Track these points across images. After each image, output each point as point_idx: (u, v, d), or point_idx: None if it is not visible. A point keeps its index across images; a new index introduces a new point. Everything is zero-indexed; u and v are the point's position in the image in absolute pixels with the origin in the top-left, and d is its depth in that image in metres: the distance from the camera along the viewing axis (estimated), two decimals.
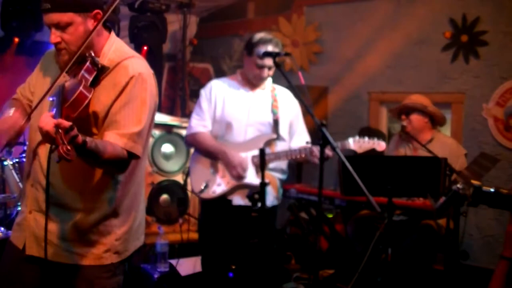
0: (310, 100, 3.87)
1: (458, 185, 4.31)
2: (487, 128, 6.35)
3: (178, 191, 6.46)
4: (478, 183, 3.42)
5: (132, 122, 2.90)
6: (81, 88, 2.70)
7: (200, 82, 8.23)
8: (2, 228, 5.15)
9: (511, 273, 3.31)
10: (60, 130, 2.38)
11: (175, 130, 6.55)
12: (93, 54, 2.86)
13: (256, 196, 3.92)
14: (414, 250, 5.35)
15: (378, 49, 7.16)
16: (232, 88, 4.82)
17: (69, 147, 2.36)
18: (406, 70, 6.96)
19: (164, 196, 6.48)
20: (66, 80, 2.87)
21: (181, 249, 6.08)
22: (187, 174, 4.99)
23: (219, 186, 4.73)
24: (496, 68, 6.29)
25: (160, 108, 7.81)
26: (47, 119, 2.47)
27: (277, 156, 4.66)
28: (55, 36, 2.84)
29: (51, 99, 2.78)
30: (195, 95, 6.52)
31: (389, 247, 4.83)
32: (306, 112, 3.72)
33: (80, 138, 2.49)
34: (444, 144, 5.48)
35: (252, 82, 4.79)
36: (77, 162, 2.74)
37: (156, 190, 6.44)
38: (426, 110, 5.51)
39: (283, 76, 3.96)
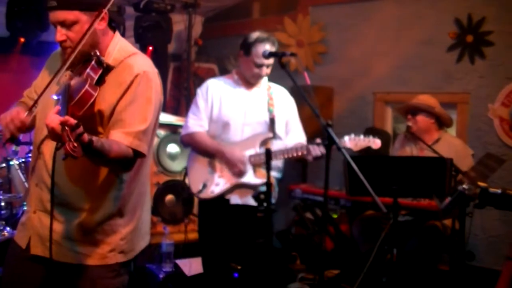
0: (315, 101, 3.85)
1: (464, 186, 4.31)
2: (492, 129, 6.34)
3: (183, 191, 6.46)
4: (485, 184, 3.41)
5: (138, 120, 2.90)
6: (86, 86, 2.71)
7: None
8: (8, 228, 5.16)
9: None
10: (66, 128, 2.38)
11: (180, 130, 6.55)
12: (98, 53, 2.87)
13: (262, 196, 3.92)
14: (420, 250, 5.34)
15: (383, 49, 7.15)
16: (229, 87, 4.83)
17: (75, 144, 2.37)
18: (411, 70, 6.95)
19: (170, 196, 6.49)
20: (72, 78, 2.88)
21: (186, 249, 6.08)
22: (185, 174, 4.98)
23: (217, 186, 4.74)
24: (501, 68, 6.28)
25: (165, 108, 7.82)
26: (53, 116, 2.47)
27: (274, 155, 4.66)
28: (60, 34, 2.85)
29: (56, 97, 2.78)
30: None
31: (394, 248, 4.83)
32: (312, 112, 3.71)
33: (86, 136, 2.49)
34: (451, 144, 5.47)
35: (248, 81, 4.80)
36: (82, 162, 2.75)
37: (162, 190, 6.45)
38: (433, 111, 5.50)
39: (288, 77, 3.95)
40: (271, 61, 4.65)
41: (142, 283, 5.72)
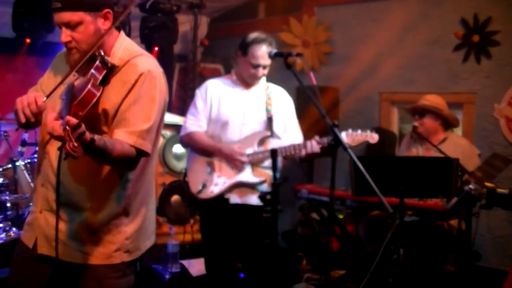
0: (321, 101, 3.85)
1: (470, 186, 4.31)
2: (498, 129, 6.32)
3: (189, 191, 6.45)
4: (492, 185, 3.40)
5: (141, 119, 2.90)
6: (89, 86, 2.71)
7: None
8: (14, 228, 5.18)
9: None
10: (67, 128, 2.39)
11: None
12: (102, 53, 2.88)
13: (268, 196, 3.92)
14: (426, 250, 5.33)
15: (389, 49, 7.14)
16: (227, 88, 4.86)
17: (75, 144, 2.37)
18: (417, 70, 6.94)
19: (175, 197, 6.49)
20: (77, 79, 2.89)
21: (192, 250, 6.08)
22: (184, 174, 4.99)
23: (217, 185, 4.76)
24: (507, 68, 6.26)
25: (171, 109, 7.81)
26: (50, 117, 2.49)
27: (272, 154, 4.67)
28: (65, 35, 2.86)
29: (63, 97, 2.79)
30: None
31: (400, 248, 4.81)
32: (318, 112, 3.70)
33: (88, 135, 2.50)
34: (457, 144, 5.46)
35: (246, 82, 4.82)
36: (86, 161, 2.77)
37: (167, 190, 6.44)
38: (441, 113, 5.49)
39: (294, 77, 3.95)
40: (268, 62, 4.67)
41: (148, 284, 5.72)
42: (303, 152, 4.63)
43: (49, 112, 2.58)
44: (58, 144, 2.65)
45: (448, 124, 5.56)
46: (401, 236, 4.76)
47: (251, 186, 4.75)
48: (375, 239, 5.52)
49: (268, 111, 4.80)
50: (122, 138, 2.84)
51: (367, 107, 7.42)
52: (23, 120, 2.77)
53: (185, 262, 5.82)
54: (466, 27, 6.53)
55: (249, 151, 4.74)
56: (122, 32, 3.12)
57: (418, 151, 5.65)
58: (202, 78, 8.08)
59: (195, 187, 4.82)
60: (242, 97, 4.81)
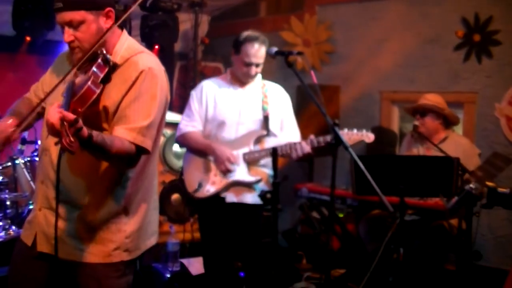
0: (322, 100, 3.84)
1: (471, 185, 4.30)
2: (499, 128, 6.32)
3: (185, 191, 6.45)
4: (493, 184, 3.39)
5: (142, 116, 2.90)
6: (89, 83, 2.73)
7: None
8: (14, 227, 5.17)
9: None
10: (65, 123, 2.39)
11: None
12: (104, 52, 2.89)
13: (268, 195, 3.92)
14: (426, 250, 5.33)
15: (390, 48, 7.13)
16: (223, 87, 4.86)
17: (72, 139, 2.38)
18: (418, 69, 6.94)
19: (176, 195, 6.48)
20: (78, 76, 2.90)
21: (192, 248, 6.08)
22: (180, 174, 5.00)
23: (213, 184, 4.76)
24: (508, 68, 6.26)
25: (172, 107, 7.81)
26: (53, 111, 2.48)
27: (267, 152, 4.66)
28: (68, 35, 2.87)
29: (64, 95, 2.80)
30: None
31: (400, 247, 4.81)
32: (319, 111, 3.70)
33: (86, 131, 2.51)
34: (458, 143, 5.46)
35: (241, 80, 4.82)
36: (86, 158, 2.79)
37: (168, 189, 6.44)
38: (442, 113, 5.48)
39: (295, 76, 3.94)
40: (260, 60, 4.67)
41: (148, 283, 5.72)
42: (294, 155, 4.62)
43: (50, 108, 2.58)
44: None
45: (448, 122, 5.56)
46: (401, 235, 4.76)
47: (247, 185, 4.76)
48: (375, 238, 5.52)
49: (264, 109, 4.79)
50: (122, 134, 2.83)
51: (367, 106, 7.42)
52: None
53: (185, 261, 5.81)
54: (467, 26, 6.52)
55: (245, 150, 4.74)
56: (124, 31, 3.13)
57: (419, 150, 5.65)
58: (203, 76, 8.09)
59: (191, 186, 4.83)
60: (237, 96, 4.81)
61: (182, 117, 4.91)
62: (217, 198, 4.76)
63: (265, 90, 4.87)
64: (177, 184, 6.42)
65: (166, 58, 7.52)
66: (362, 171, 3.49)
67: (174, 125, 6.43)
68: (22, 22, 6.57)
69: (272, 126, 4.80)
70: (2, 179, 5.41)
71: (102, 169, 2.96)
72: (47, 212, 3.03)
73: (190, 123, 4.82)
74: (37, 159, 5.44)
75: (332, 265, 6.17)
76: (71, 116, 2.41)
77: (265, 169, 4.78)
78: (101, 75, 2.82)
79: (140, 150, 2.91)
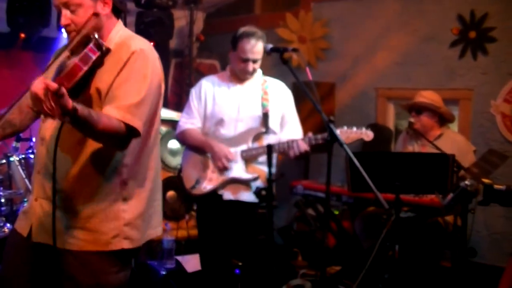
0: (318, 97, 3.84)
1: (466, 182, 4.30)
2: (495, 125, 6.32)
3: (183, 187, 6.45)
4: (489, 181, 3.39)
5: (131, 95, 2.87)
6: (76, 60, 2.75)
7: None
8: (8, 224, 5.16)
9: None
10: (48, 93, 2.39)
11: None
12: (97, 36, 2.88)
13: (264, 192, 3.91)
14: (422, 247, 5.33)
15: (385, 45, 7.14)
16: (222, 84, 4.85)
17: (53, 104, 2.39)
18: (414, 66, 6.93)
19: (171, 192, 6.48)
20: (69, 58, 2.93)
21: (188, 246, 6.07)
22: (179, 170, 5.00)
23: (210, 181, 4.76)
24: (504, 65, 6.26)
25: (167, 104, 7.81)
26: (38, 82, 2.45)
27: (265, 150, 4.63)
28: (65, 18, 2.89)
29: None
30: None
31: (396, 244, 4.82)
32: (314, 108, 3.69)
33: (70, 102, 2.47)
34: (453, 140, 5.45)
35: (239, 77, 4.81)
36: (83, 146, 2.82)
37: (163, 186, 6.40)
38: (438, 111, 5.48)
39: (290, 72, 3.94)
40: (258, 56, 4.64)
41: (143, 280, 5.71)
42: (291, 153, 4.61)
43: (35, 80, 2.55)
44: (55, 129, 2.65)
45: (444, 120, 5.56)
46: (397, 232, 4.76)
47: (244, 183, 4.74)
48: (371, 235, 5.52)
49: (263, 106, 4.76)
50: (110, 112, 2.80)
51: (363, 103, 7.42)
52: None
53: (180, 258, 5.81)
54: (463, 23, 6.52)
55: (243, 147, 4.73)
56: (120, 21, 3.15)
57: (414, 147, 5.65)
58: (198, 73, 8.09)
59: (188, 183, 4.83)
60: (236, 93, 4.80)
61: (182, 115, 4.92)
62: (214, 195, 4.75)
63: (266, 87, 4.84)
64: (173, 181, 6.43)
65: (162, 55, 7.34)
66: (357, 168, 3.48)
67: (169, 122, 6.45)
68: (17, 18, 6.56)
69: (272, 123, 4.78)
70: None
71: (98, 157, 2.94)
72: (43, 202, 3.01)
73: (189, 120, 4.82)
74: (31, 156, 5.44)
75: (327, 262, 6.17)
76: (54, 85, 2.40)
77: (263, 166, 4.75)
78: (93, 57, 2.82)
79: (130, 131, 2.86)
